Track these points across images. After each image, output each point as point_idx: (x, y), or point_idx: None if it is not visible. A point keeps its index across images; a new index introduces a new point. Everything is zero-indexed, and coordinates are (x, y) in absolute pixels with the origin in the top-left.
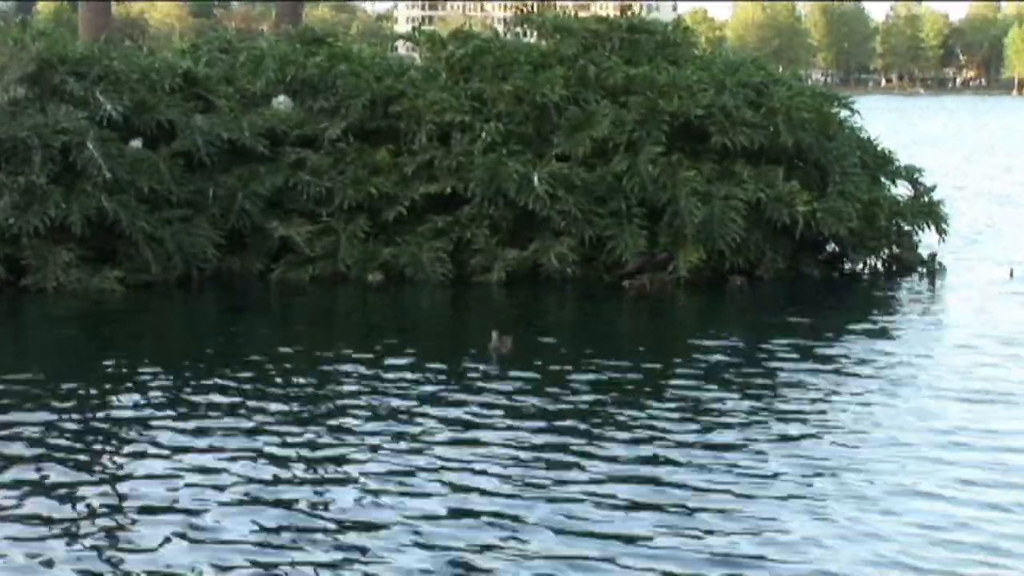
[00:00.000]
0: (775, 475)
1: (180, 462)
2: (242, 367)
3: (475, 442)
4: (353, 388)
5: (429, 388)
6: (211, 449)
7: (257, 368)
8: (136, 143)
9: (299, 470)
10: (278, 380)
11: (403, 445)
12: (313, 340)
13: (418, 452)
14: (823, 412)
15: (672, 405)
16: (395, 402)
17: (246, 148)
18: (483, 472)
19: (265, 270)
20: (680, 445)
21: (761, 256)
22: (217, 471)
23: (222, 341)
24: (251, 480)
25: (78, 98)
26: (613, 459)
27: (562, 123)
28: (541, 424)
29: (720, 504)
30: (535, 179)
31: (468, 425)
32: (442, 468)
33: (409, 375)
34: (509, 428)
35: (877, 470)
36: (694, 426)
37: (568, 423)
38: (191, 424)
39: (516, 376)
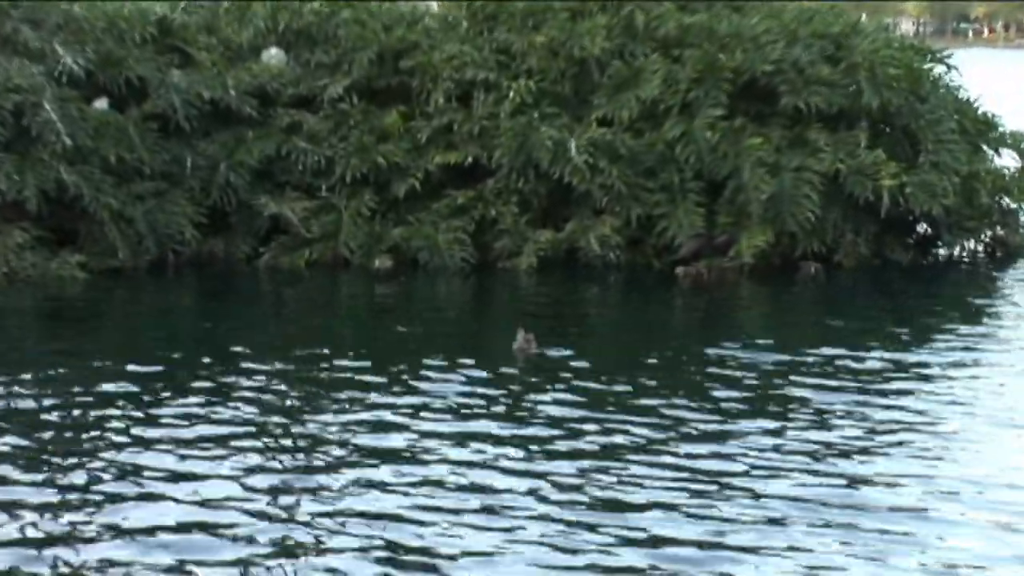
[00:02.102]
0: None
1: (140, 486)
2: (225, 368)
3: (501, 467)
4: (354, 395)
5: (443, 398)
6: (189, 475)
7: (242, 370)
8: (101, 103)
9: (289, 489)
10: (266, 385)
11: (414, 472)
12: (309, 337)
13: (433, 484)
14: (924, 444)
15: (735, 415)
16: (399, 417)
17: (231, 110)
18: (525, 509)
19: (253, 254)
20: (762, 460)
21: (839, 239)
22: (193, 497)
23: (201, 338)
24: (231, 507)
25: (33, 50)
26: (682, 487)
27: (604, 81)
28: (580, 443)
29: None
30: (572, 147)
31: (491, 439)
32: (460, 508)
33: (420, 381)
34: (539, 445)
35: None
36: (773, 440)
37: (614, 440)
38: (157, 435)
39: (547, 382)
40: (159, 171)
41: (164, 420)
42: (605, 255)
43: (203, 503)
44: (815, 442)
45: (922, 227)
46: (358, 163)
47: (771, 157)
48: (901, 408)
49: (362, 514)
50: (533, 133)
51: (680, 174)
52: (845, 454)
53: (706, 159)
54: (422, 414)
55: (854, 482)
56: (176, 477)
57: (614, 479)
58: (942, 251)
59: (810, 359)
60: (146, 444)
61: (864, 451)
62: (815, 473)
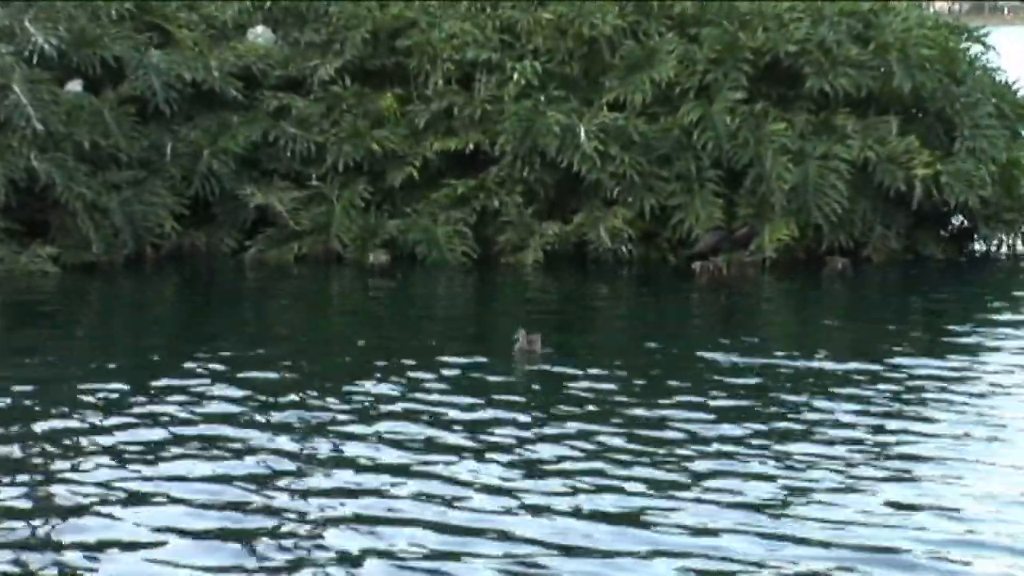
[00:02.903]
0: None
1: (111, 495)
2: (205, 371)
3: (510, 489)
4: (343, 405)
5: (441, 406)
6: (163, 498)
7: (225, 373)
8: (74, 86)
9: (275, 510)
10: (250, 390)
11: (404, 488)
12: (296, 338)
13: (441, 501)
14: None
15: (752, 428)
16: (396, 424)
17: (214, 93)
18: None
19: (238, 248)
20: (793, 481)
21: (869, 233)
22: (165, 512)
23: (180, 338)
24: (214, 518)
25: (2, 28)
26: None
27: (616, 62)
28: (589, 460)
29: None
30: (581, 133)
31: (496, 448)
32: (479, 530)
33: (416, 390)
34: (544, 459)
35: None
36: (800, 457)
37: (626, 457)
38: (122, 442)
39: (552, 388)
40: (137, 158)
41: (134, 426)
42: (616, 249)
43: (172, 509)
44: (841, 460)
45: (957, 219)
46: (351, 150)
47: (795, 144)
48: (935, 422)
49: (344, 521)
50: (539, 118)
51: (697, 162)
52: (875, 479)
53: (725, 146)
54: (418, 420)
55: (900, 508)
56: (144, 483)
57: (615, 497)
58: (979, 246)
59: (837, 367)
60: (112, 453)
61: (895, 473)
62: (848, 498)
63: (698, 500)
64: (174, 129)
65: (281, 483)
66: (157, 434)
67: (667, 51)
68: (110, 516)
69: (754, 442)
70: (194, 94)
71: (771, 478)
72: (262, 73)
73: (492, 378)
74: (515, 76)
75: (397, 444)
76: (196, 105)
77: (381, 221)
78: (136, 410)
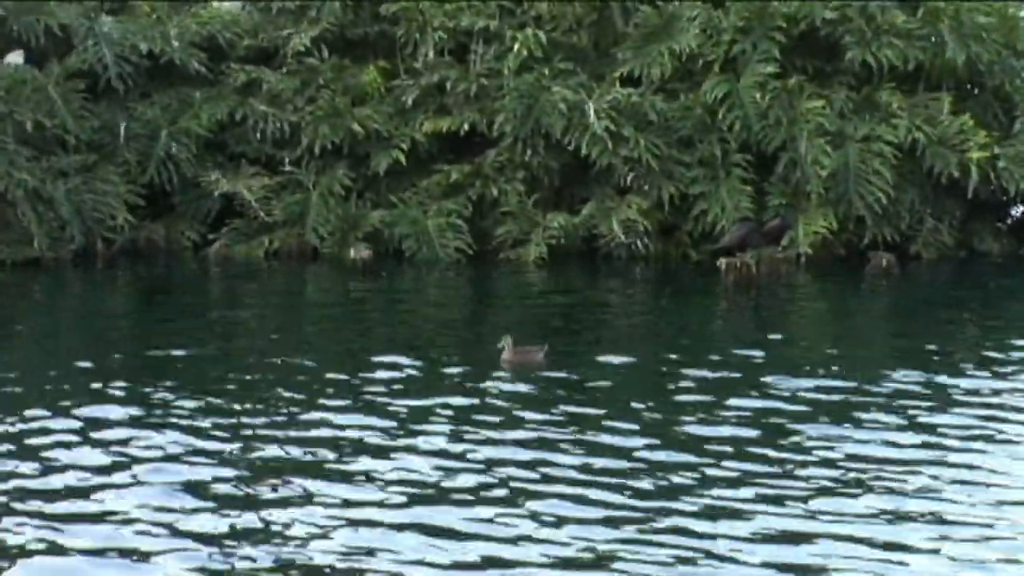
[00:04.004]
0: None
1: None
2: (160, 381)
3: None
4: (318, 420)
5: (427, 423)
6: (103, 514)
7: (182, 384)
8: (15, 58)
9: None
10: (210, 401)
11: (381, 516)
12: (265, 344)
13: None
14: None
15: (779, 455)
16: (374, 439)
17: (174, 66)
18: None
19: (201, 242)
20: (832, 519)
21: (917, 225)
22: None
23: (134, 346)
24: (148, 532)
25: None
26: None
27: (630, 31)
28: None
29: None
30: (590, 112)
31: (465, 470)
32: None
33: (401, 402)
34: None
35: None
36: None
37: (622, 480)
38: (65, 462)
39: (549, 403)
40: (86, 141)
41: (76, 445)
42: (630, 244)
43: (110, 527)
44: (882, 495)
45: (1017, 210)
46: (329, 131)
47: (833, 124)
48: (990, 453)
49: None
50: (543, 94)
51: (723, 145)
52: (925, 518)
53: (754, 127)
54: (396, 434)
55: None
56: (89, 505)
57: (608, 540)
58: None
59: (881, 384)
60: (53, 470)
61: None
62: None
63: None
64: (128, 107)
65: (229, 505)
66: (96, 457)
67: (688, 18)
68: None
69: (784, 476)
70: (151, 67)
71: (800, 514)
72: (228, 43)
73: (478, 390)
74: (516, 47)
75: (371, 479)
76: (153, 80)
77: (363, 212)
78: (81, 430)
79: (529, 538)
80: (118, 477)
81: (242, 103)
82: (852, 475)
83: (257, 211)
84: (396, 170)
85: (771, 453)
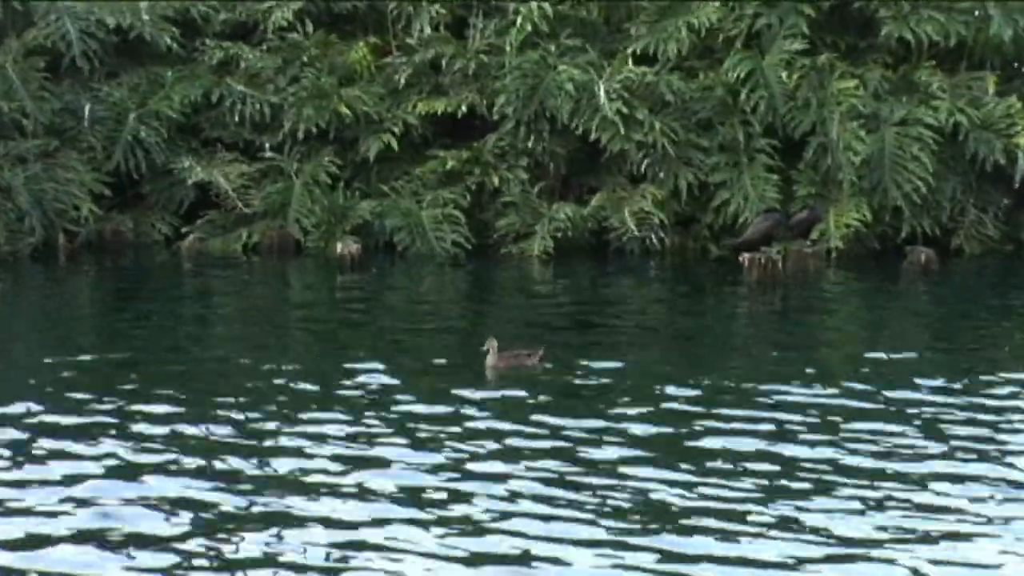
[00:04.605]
0: None
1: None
2: (124, 386)
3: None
4: (288, 431)
5: (415, 432)
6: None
7: (147, 390)
8: None
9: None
10: (176, 408)
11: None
12: (241, 347)
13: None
14: None
15: (804, 480)
16: (353, 448)
17: (143, 42)
18: None
19: (173, 235)
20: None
21: (959, 217)
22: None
23: (98, 346)
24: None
25: None
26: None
27: (644, 4)
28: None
29: None
30: (600, 92)
31: (448, 491)
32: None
33: (386, 412)
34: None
35: None
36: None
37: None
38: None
39: (547, 415)
40: (46, 125)
41: (31, 457)
42: (644, 238)
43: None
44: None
45: None
46: (313, 113)
47: (868, 106)
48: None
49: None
50: (548, 73)
51: (746, 129)
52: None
53: (780, 109)
54: (376, 446)
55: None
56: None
57: None
58: None
59: (916, 397)
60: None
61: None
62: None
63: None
64: (93, 88)
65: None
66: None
67: None
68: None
69: (800, 496)
70: (118, 44)
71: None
72: (203, 17)
73: (474, 397)
74: (519, 21)
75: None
76: (121, 58)
77: (351, 202)
78: (34, 442)
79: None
80: (75, 490)
81: (218, 83)
82: (874, 495)
83: (234, 201)
84: (387, 156)
85: (786, 471)
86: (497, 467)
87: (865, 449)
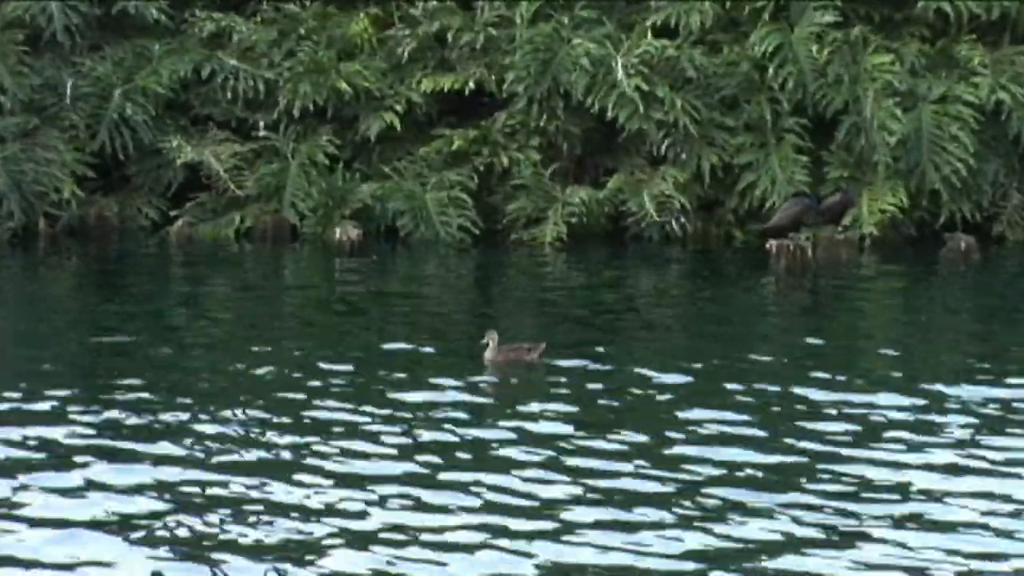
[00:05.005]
0: None
1: None
2: (107, 380)
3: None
4: (287, 432)
5: (405, 425)
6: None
7: (132, 385)
8: None
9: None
10: (161, 406)
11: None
12: (232, 340)
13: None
14: None
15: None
16: (322, 447)
17: (129, 14)
18: None
19: (161, 219)
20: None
21: (1001, 201)
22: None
23: (79, 338)
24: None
25: None
26: None
27: None
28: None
29: None
30: (618, 68)
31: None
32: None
33: (377, 406)
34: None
35: None
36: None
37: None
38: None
39: (553, 411)
40: (25, 102)
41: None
42: (664, 223)
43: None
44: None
45: None
46: (310, 90)
47: (904, 83)
48: None
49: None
50: (562, 47)
51: (773, 107)
52: None
53: (810, 86)
54: (379, 443)
55: None
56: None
57: None
58: None
59: (953, 401)
60: None
61: None
62: None
63: None
64: (75, 62)
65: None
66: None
67: None
68: None
69: (823, 510)
70: (102, 16)
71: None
72: None
73: (476, 389)
74: None
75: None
76: (105, 31)
77: (351, 185)
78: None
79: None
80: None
81: (209, 57)
82: (902, 510)
83: (226, 183)
84: (389, 136)
85: (808, 481)
86: (504, 455)
87: (897, 459)
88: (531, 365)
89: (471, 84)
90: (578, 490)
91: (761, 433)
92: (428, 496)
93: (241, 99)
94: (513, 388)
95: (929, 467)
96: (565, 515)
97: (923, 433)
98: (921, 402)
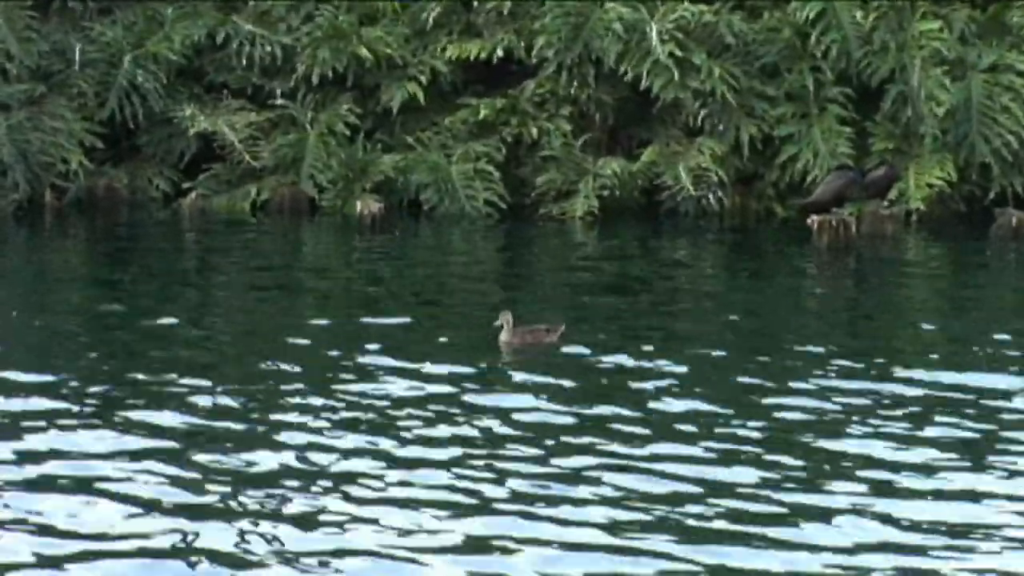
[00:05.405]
0: None
1: None
2: (116, 360)
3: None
4: (296, 405)
5: (421, 408)
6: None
7: (142, 364)
8: None
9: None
10: (173, 386)
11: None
12: (247, 317)
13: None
14: None
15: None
16: (344, 441)
17: None
18: None
19: (172, 192)
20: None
21: None
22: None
23: (87, 314)
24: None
25: None
26: None
27: None
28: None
29: None
30: (652, 34)
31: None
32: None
33: (392, 400)
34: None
35: None
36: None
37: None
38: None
39: (579, 396)
40: (32, 68)
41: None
42: (701, 197)
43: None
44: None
45: None
46: (329, 57)
47: (953, 51)
48: None
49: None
50: (594, 12)
51: (816, 76)
52: None
53: (855, 53)
54: (399, 426)
55: None
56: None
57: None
58: None
59: (1011, 386)
60: None
61: None
62: None
63: None
64: (84, 27)
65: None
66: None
67: None
68: None
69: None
70: None
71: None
72: None
73: (499, 372)
74: None
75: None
76: None
77: (372, 156)
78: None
79: None
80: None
81: (223, 22)
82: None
83: (241, 154)
84: (412, 105)
85: (849, 468)
86: (521, 449)
87: (942, 455)
88: (551, 347)
89: (498, 51)
90: (590, 486)
91: (798, 437)
92: (425, 490)
93: (257, 66)
94: (528, 372)
95: (990, 466)
96: (569, 508)
97: (975, 420)
98: (967, 395)
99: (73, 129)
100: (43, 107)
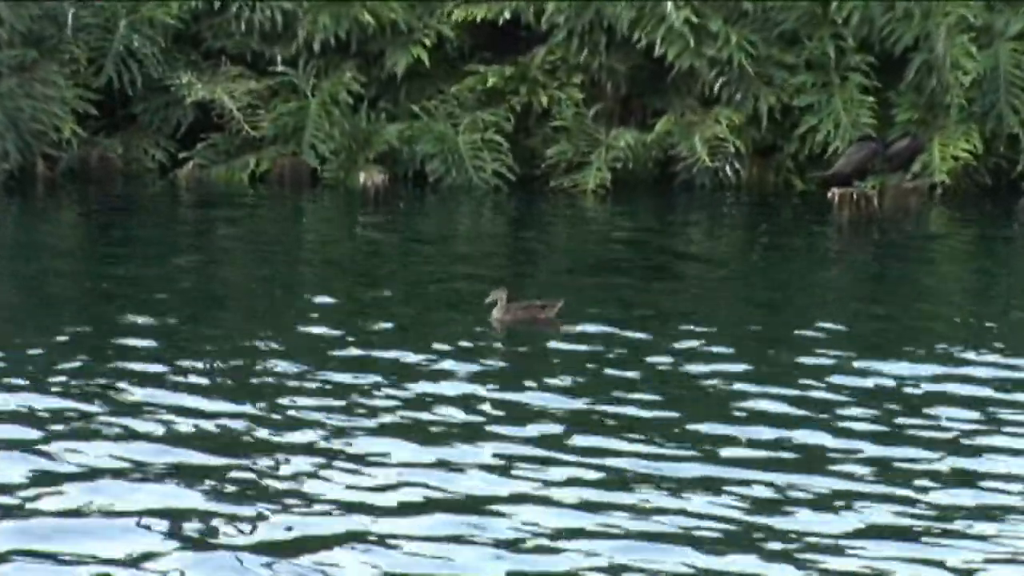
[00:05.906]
0: None
1: None
2: (110, 338)
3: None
4: (289, 387)
5: (417, 389)
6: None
7: (135, 342)
8: None
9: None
10: (168, 364)
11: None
12: (245, 294)
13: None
14: None
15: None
16: (361, 419)
17: None
18: None
19: (169, 162)
20: None
21: None
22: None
23: (79, 288)
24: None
25: None
26: None
27: None
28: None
29: None
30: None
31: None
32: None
33: (397, 378)
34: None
35: None
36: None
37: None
38: None
39: (588, 382)
40: (23, 33)
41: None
42: (717, 169)
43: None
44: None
45: None
46: (331, 22)
47: (979, 18)
48: None
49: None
50: None
51: (837, 43)
52: None
53: (878, 20)
54: (398, 409)
55: None
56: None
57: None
58: None
59: None
60: None
61: None
62: None
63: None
64: None
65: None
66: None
67: None
68: None
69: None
70: None
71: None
72: None
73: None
74: None
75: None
76: None
77: (376, 125)
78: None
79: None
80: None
81: None
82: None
83: (240, 123)
84: (418, 72)
85: (861, 456)
86: (527, 430)
87: (966, 443)
88: (545, 325)
89: (507, 15)
90: (588, 471)
91: (816, 413)
92: (423, 469)
93: (257, 31)
94: (523, 352)
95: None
96: (571, 491)
97: (999, 405)
98: (996, 368)
99: (66, 96)
100: (35, 73)
